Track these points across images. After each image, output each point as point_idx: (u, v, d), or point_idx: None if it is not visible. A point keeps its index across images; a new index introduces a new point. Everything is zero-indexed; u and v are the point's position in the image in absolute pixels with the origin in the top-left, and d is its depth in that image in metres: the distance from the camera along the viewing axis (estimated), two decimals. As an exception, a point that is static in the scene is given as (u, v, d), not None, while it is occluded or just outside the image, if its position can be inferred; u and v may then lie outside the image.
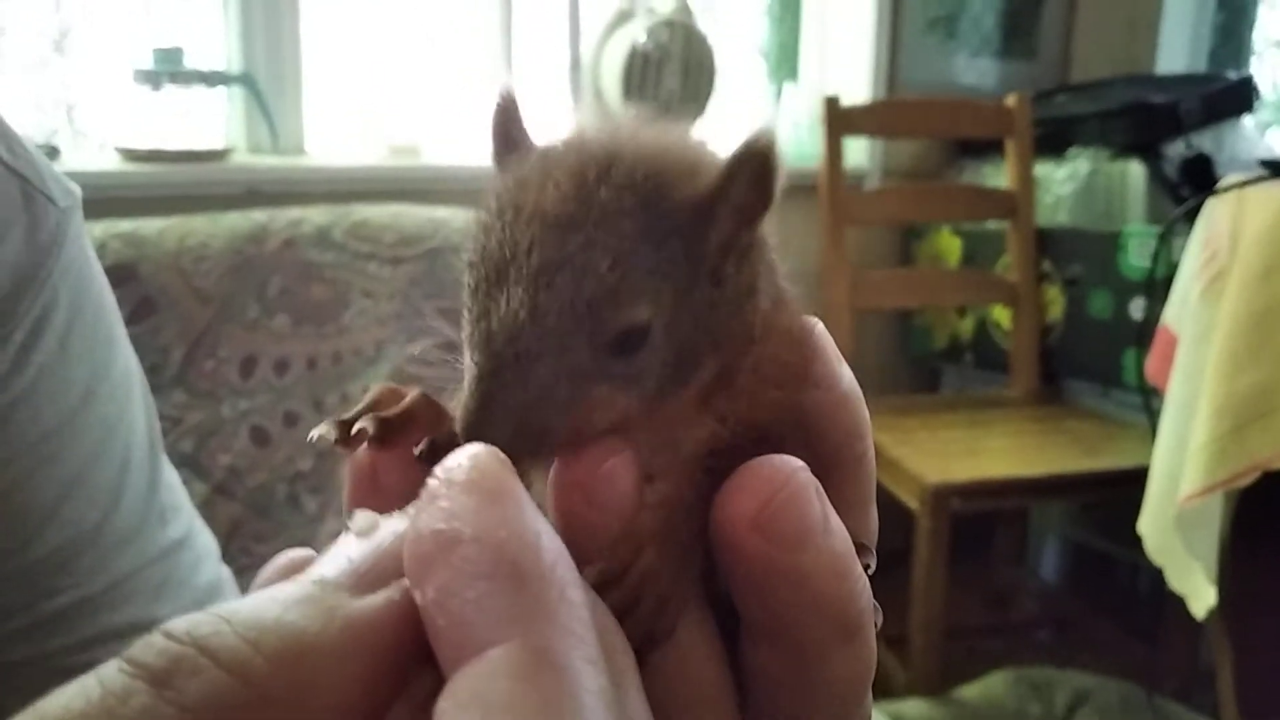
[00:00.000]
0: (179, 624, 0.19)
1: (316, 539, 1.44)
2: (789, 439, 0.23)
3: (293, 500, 1.44)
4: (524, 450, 0.21)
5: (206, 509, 1.41)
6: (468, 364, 0.22)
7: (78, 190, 0.48)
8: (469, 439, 0.21)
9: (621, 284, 0.21)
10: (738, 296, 0.23)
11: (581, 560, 0.20)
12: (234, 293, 1.47)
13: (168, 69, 1.67)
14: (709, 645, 0.22)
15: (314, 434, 0.25)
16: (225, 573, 0.57)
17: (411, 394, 0.25)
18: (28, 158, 0.45)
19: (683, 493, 0.22)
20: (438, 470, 0.19)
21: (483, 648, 0.17)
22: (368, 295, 1.51)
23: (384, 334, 1.50)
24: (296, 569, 0.21)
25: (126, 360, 0.51)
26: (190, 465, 1.36)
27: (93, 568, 0.46)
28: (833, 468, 0.23)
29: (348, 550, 0.20)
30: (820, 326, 0.25)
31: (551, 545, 0.19)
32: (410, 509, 0.20)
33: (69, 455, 0.46)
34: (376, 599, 0.19)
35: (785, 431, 0.23)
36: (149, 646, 0.19)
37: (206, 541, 0.57)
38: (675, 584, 0.21)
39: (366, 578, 0.19)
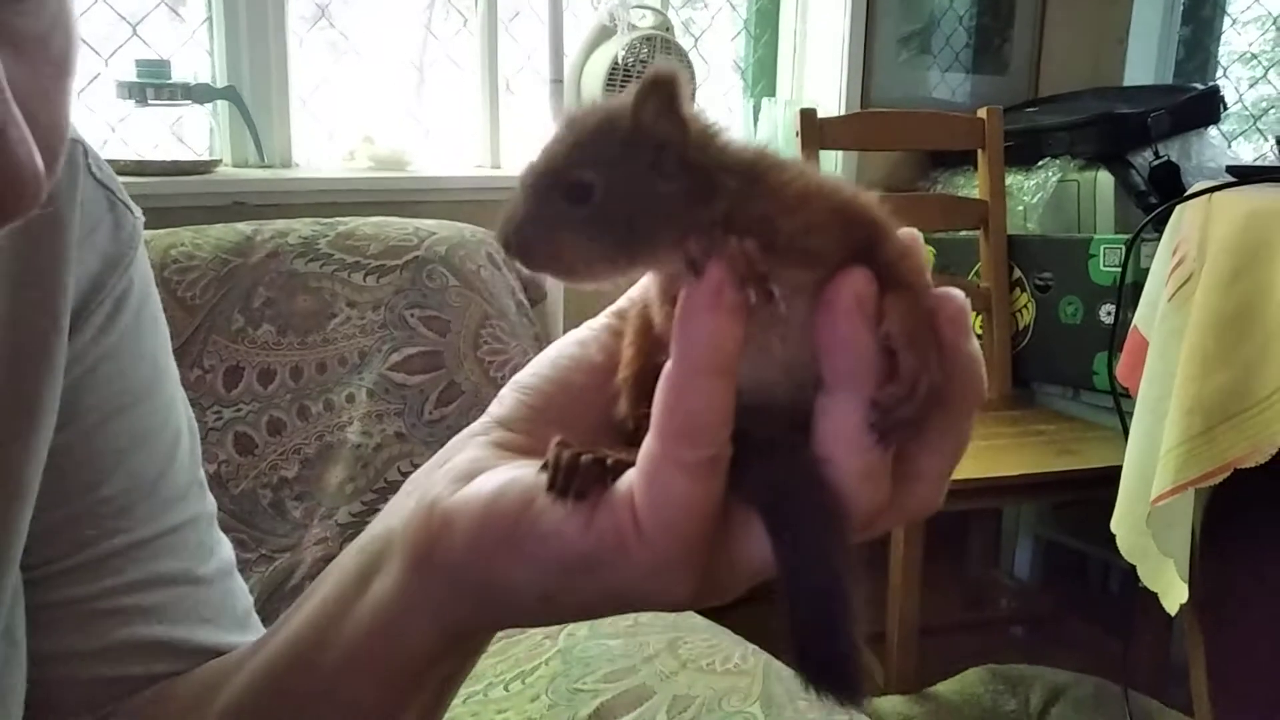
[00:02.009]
0: None
1: (301, 545, 1.44)
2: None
3: (277, 506, 1.45)
4: (518, 255, 0.33)
5: (192, 517, 1.41)
6: None
7: (141, 214, 0.56)
8: (500, 240, 0.33)
9: (567, 160, 0.32)
10: (695, 185, 0.31)
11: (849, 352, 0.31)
12: (219, 303, 1.48)
13: (152, 82, 1.68)
14: None
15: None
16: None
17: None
18: (110, 176, 0.53)
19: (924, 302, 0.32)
20: None
21: None
22: (352, 305, 1.52)
23: (368, 343, 1.51)
24: None
25: (171, 357, 0.59)
26: (176, 473, 1.36)
27: (148, 516, 0.52)
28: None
29: None
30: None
31: None
32: None
33: (140, 413, 0.52)
34: None
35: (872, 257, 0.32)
36: None
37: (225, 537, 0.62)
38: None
39: None
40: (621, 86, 2.01)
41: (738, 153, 0.32)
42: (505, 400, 0.39)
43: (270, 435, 1.46)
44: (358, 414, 1.48)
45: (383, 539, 0.39)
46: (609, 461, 0.33)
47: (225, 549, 0.58)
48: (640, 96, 0.31)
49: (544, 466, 0.33)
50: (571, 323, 1.87)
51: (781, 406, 0.33)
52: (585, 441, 0.34)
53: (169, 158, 1.74)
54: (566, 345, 0.39)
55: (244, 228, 1.54)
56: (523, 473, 0.35)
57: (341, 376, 1.50)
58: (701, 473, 0.31)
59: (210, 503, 0.58)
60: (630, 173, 0.31)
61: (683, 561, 0.32)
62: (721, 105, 2.47)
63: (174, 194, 1.66)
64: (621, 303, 0.40)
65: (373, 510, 1.43)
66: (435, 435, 1.48)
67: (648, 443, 0.31)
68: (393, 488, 1.49)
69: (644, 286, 0.38)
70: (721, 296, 0.30)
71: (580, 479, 0.32)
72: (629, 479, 0.32)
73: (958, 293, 0.32)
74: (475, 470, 0.36)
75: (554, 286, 1.76)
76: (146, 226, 0.56)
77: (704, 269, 0.30)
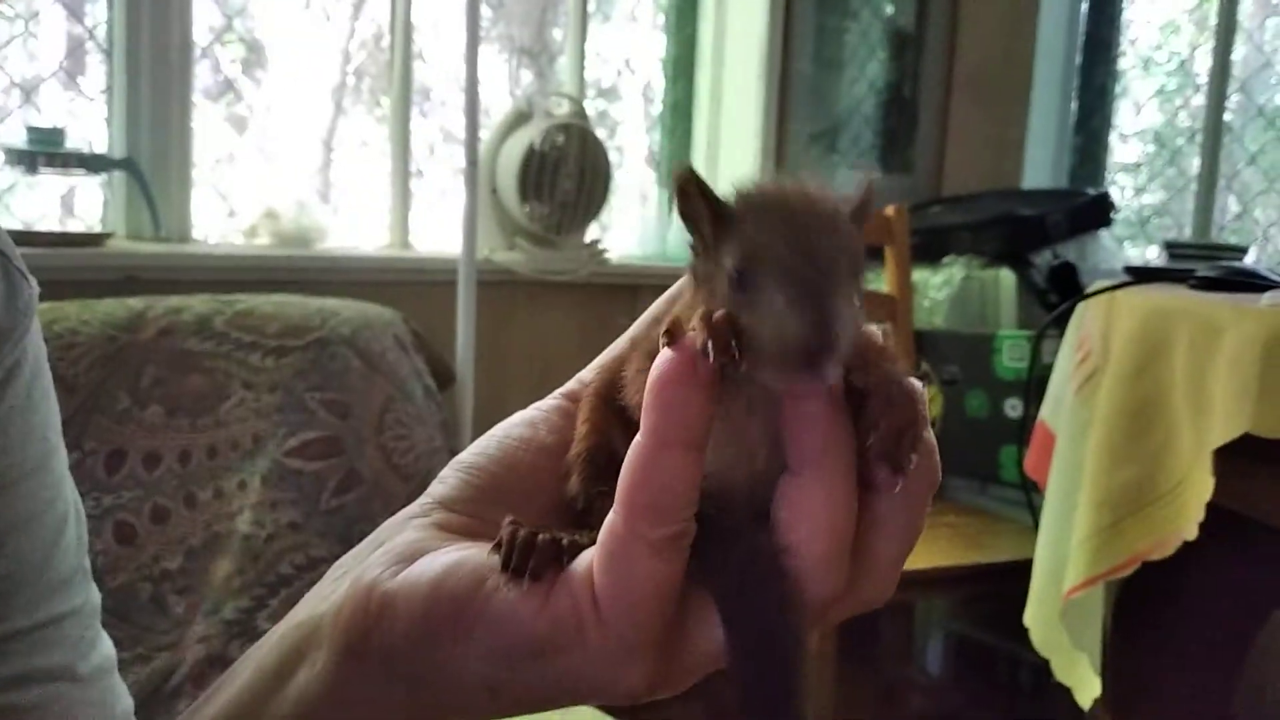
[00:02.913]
0: None
1: (182, 644, 1.34)
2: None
3: (157, 601, 1.34)
4: (840, 350, 0.30)
5: (60, 614, 1.30)
6: (771, 301, 0.30)
7: (37, 284, 0.53)
8: (818, 347, 0.30)
9: (855, 247, 0.32)
10: None
11: None
12: (104, 382, 1.40)
13: (44, 150, 1.61)
14: None
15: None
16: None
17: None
18: (7, 241, 0.50)
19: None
20: None
21: None
22: (248, 386, 1.45)
23: (263, 427, 1.44)
24: None
25: (60, 435, 0.56)
26: (45, 565, 1.26)
27: (29, 604, 0.48)
28: None
29: None
30: None
31: None
32: None
33: (26, 491, 0.49)
34: None
35: None
36: None
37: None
38: None
39: None
40: (537, 173, 2.00)
41: None
42: (448, 480, 0.38)
43: (153, 524, 1.37)
44: (249, 502, 1.40)
45: (307, 626, 0.36)
46: (565, 542, 0.32)
47: (107, 644, 0.54)
48: (864, 199, 0.33)
49: (496, 546, 0.32)
50: (481, 407, 1.82)
51: (743, 492, 0.32)
52: (533, 524, 0.33)
53: (58, 229, 1.66)
54: (514, 425, 0.38)
55: (135, 303, 1.46)
56: (470, 553, 0.33)
57: (233, 462, 1.42)
58: (666, 551, 0.30)
59: (95, 593, 0.54)
60: None
61: (640, 647, 0.31)
62: (636, 195, 2.50)
63: (63, 266, 1.57)
64: (571, 384, 0.39)
65: (262, 606, 1.34)
66: (332, 526, 1.41)
67: (611, 520, 0.31)
68: (285, 581, 1.41)
69: (597, 367, 0.39)
70: (695, 367, 0.30)
71: (537, 558, 0.32)
72: (587, 559, 0.32)
73: (918, 382, 0.33)
74: (416, 552, 0.34)
75: (464, 370, 1.72)
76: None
77: (678, 340, 0.30)
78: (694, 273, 0.34)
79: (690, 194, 0.33)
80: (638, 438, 0.30)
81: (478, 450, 0.38)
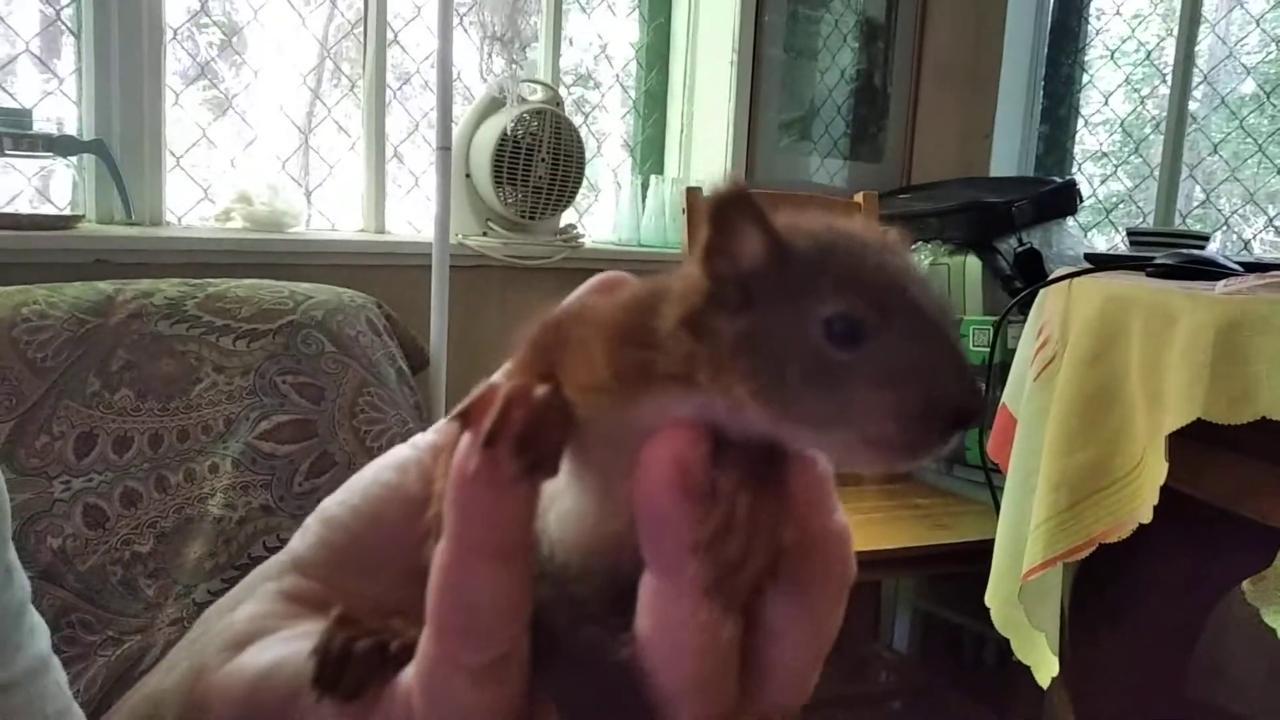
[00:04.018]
0: None
1: (154, 626, 1.35)
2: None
3: (128, 584, 1.35)
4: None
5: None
6: (910, 357, 0.24)
7: None
8: (973, 410, 0.24)
9: None
10: None
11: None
12: (73, 365, 1.40)
13: (11, 131, 1.59)
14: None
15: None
16: (56, 661, 0.54)
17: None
18: None
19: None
20: None
21: None
22: (219, 370, 1.45)
23: (235, 410, 1.44)
24: None
25: None
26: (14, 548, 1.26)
27: None
28: None
29: None
30: None
31: None
32: None
33: None
34: None
35: None
36: None
37: (41, 620, 0.55)
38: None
39: None
40: (511, 158, 2.01)
41: None
42: (307, 534, 0.33)
43: (124, 507, 1.37)
44: (221, 485, 1.40)
45: (150, 704, 0.32)
46: (392, 647, 0.27)
47: (38, 642, 0.51)
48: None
49: (314, 651, 0.27)
50: (454, 391, 1.83)
51: (605, 568, 0.26)
52: (392, 591, 0.29)
53: (24, 211, 1.65)
54: (383, 469, 0.33)
55: (105, 286, 1.46)
56: (294, 651, 0.29)
57: (205, 445, 1.42)
58: (487, 679, 0.25)
59: (21, 589, 0.50)
60: None
61: None
62: (611, 180, 2.50)
63: (31, 249, 1.56)
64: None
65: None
66: (305, 508, 1.41)
67: (424, 639, 0.26)
68: (257, 564, 1.41)
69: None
70: (501, 467, 0.24)
71: (353, 672, 0.27)
72: (412, 673, 0.27)
73: (818, 458, 0.26)
74: (253, 632, 0.31)
75: (437, 353, 1.73)
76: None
77: (477, 424, 0.24)
78: (702, 328, 0.25)
79: (741, 224, 0.24)
80: (440, 543, 0.25)
81: (342, 498, 0.33)
